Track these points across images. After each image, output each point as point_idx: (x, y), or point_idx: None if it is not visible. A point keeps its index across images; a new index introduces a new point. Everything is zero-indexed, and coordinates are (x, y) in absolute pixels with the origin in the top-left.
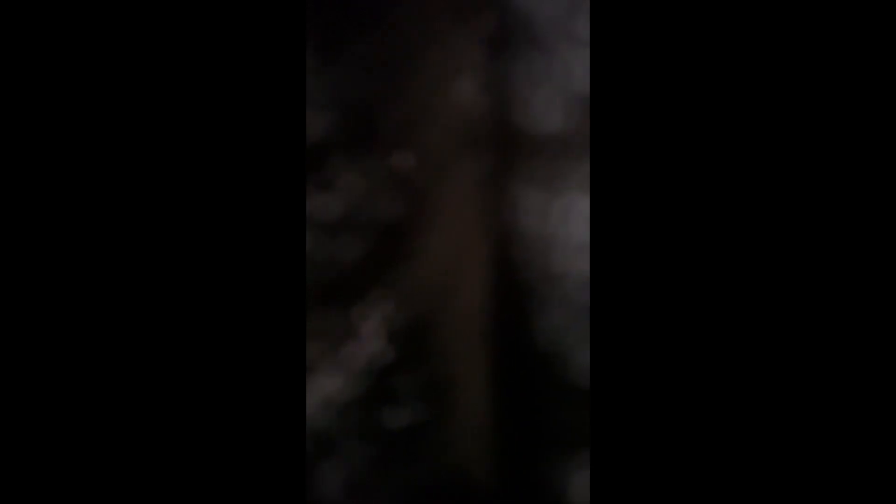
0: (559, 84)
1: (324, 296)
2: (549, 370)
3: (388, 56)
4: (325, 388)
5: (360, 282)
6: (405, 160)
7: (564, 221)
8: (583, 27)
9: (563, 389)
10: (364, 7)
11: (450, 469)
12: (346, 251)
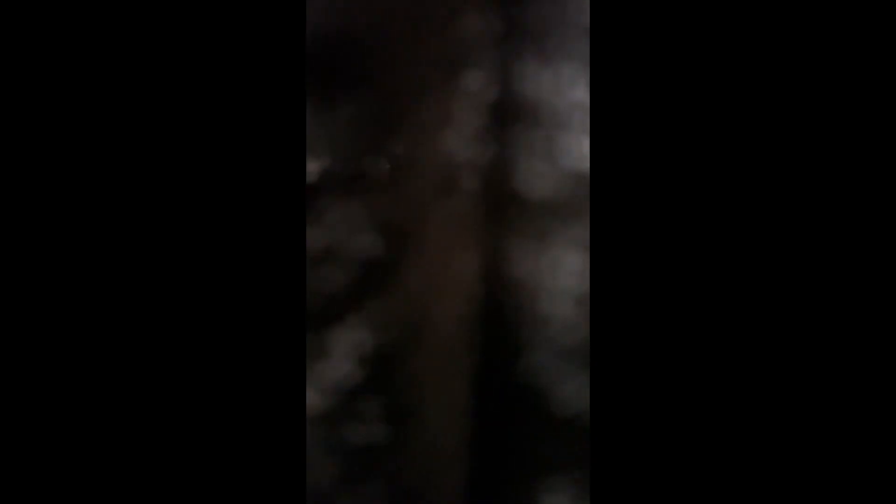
0: (549, 148)
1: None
2: (527, 401)
3: (378, 109)
4: None
5: (336, 308)
6: (388, 203)
7: (553, 272)
8: (575, 95)
9: (540, 419)
10: (358, 64)
11: (409, 490)
12: (327, 280)
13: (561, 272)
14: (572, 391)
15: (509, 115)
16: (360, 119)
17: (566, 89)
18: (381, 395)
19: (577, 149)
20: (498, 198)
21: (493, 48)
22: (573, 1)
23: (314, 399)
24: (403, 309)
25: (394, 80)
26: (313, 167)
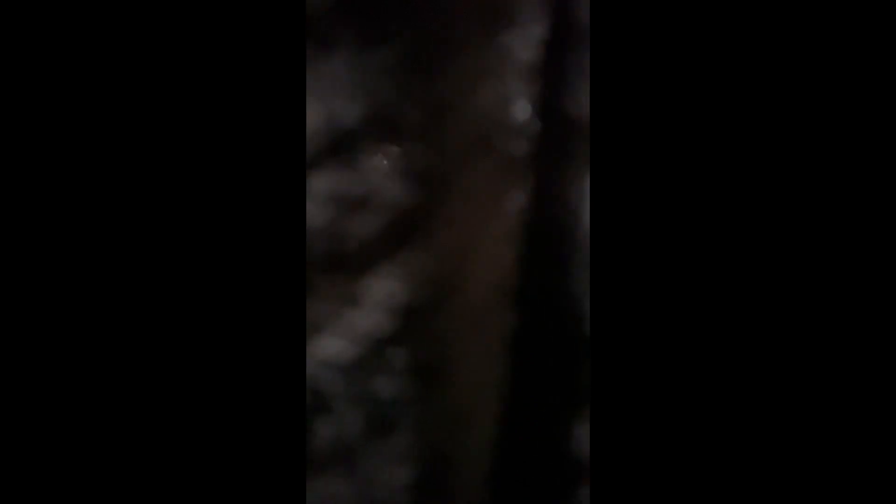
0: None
1: (336, 263)
2: (571, 329)
3: (416, 58)
4: (326, 349)
5: (370, 256)
6: (425, 151)
7: None
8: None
9: (580, 348)
10: (398, 12)
11: (437, 444)
12: (363, 226)
13: None
14: None
15: (562, 41)
16: (400, 64)
17: None
18: (412, 348)
19: None
20: (550, 125)
21: None
22: None
23: (343, 347)
24: (438, 260)
25: (438, 24)
26: (353, 112)
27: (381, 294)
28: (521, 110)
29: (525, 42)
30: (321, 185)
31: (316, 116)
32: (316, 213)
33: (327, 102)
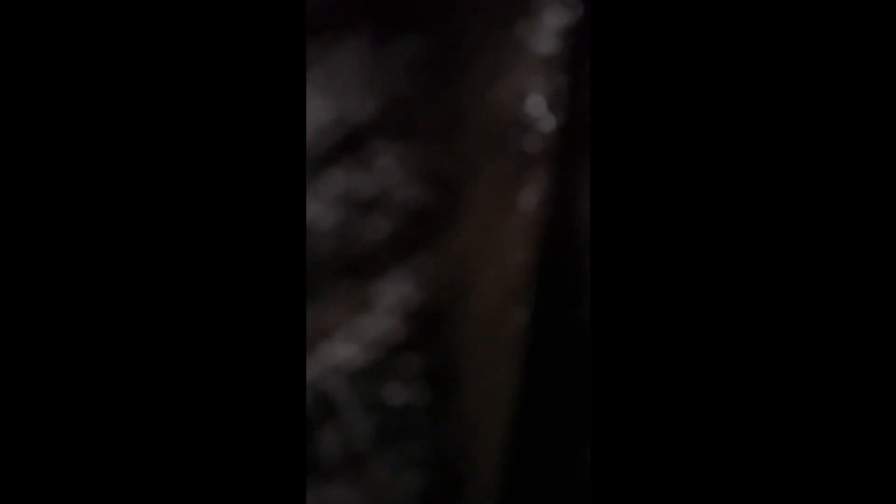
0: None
1: (347, 267)
2: (586, 334)
3: (432, 56)
4: (336, 354)
5: (383, 260)
6: (440, 152)
7: None
8: None
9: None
10: (415, 10)
11: (445, 450)
12: (375, 229)
13: None
14: None
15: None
16: (418, 61)
17: None
18: (425, 354)
19: None
20: (568, 130)
21: None
22: None
23: (353, 353)
24: (452, 263)
25: (454, 17)
26: (367, 109)
27: (394, 298)
28: (536, 106)
29: (540, 33)
30: (331, 185)
31: (326, 112)
32: (325, 214)
33: (338, 97)
